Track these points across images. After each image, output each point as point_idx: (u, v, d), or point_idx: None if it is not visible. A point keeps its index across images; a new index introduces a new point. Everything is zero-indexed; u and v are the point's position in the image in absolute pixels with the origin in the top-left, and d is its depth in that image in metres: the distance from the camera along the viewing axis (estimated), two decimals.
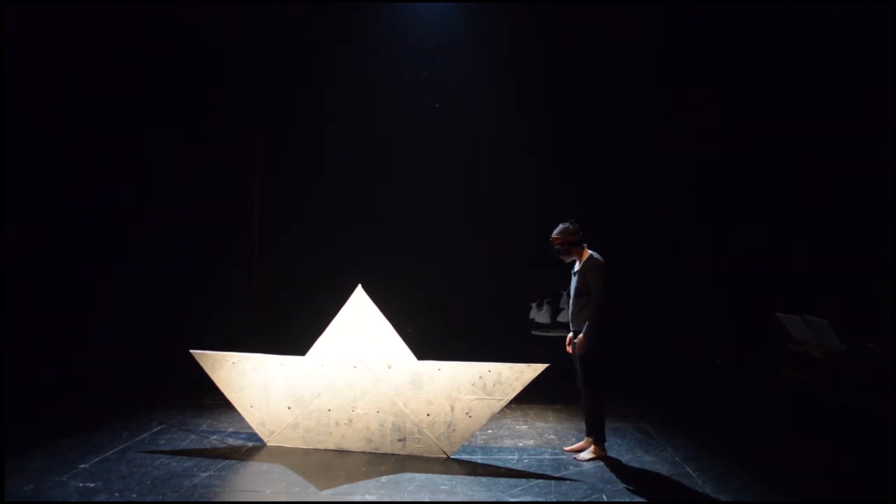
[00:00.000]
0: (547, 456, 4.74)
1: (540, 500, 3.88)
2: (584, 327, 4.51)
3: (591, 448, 4.67)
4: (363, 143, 7.95)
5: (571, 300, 4.70)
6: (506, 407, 4.81)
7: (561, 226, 4.69)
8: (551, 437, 5.23)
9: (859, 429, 4.89)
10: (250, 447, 4.84)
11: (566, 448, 4.86)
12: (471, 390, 4.55)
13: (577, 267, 4.71)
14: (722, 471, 4.41)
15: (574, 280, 4.70)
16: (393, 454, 4.66)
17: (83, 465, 4.32)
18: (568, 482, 4.19)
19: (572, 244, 4.65)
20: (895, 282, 5.39)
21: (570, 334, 4.73)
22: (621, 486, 4.12)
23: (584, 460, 4.60)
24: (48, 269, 6.84)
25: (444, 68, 7.78)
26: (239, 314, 7.72)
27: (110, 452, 4.62)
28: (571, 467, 4.49)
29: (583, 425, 4.91)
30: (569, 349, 4.75)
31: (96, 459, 4.45)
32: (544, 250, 7.42)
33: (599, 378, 4.58)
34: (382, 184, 7.95)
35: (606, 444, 4.69)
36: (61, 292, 6.94)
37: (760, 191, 7.17)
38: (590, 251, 4.67)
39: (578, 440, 4.93)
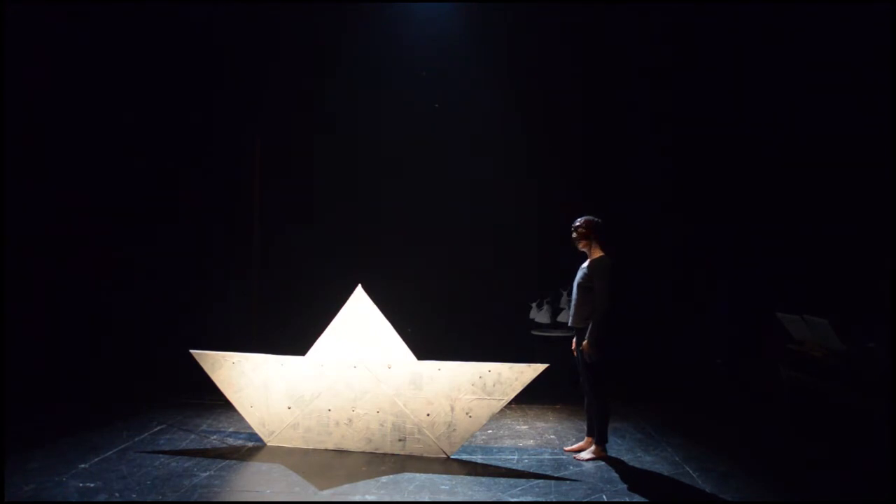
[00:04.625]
0: (547, 456, 4.74)
1: (540, 500, 3.88)
2: (588, 332, 4.51)
3: (592, 448, 4.67)
4: (363, 143, 7.95)
5: (575, 293, 4.71)
6: (506, 407, 4.81)
7: (587, 216, 4.75)
8: (551, 437, 5.23)
9: (859, 429, 4.89)
10: (250, 447, 4.84)
11: (566, 448, 4.86)
12: (471, 390, 4.55)
13: (586, 262, 4.71)
14: (722, 471, 4.41)
15: (579, 274, 4.70)
16: (393, 454, 4.66)
17: (83, 465, 4.32)
18: (568, 482, 4.19)
19: (590, 232, 4.67)
20: (895, 281, 5.39)
21: (574, 339, 4.73)
22: (621, 486, 4.13)
23: (584, 460, 4.60)
24: (48, 268, 6.84)
25: (444, 68, 7.78)
26: (239, 314, 7.72)
27: (110, 452, 4.62)
28: (571, 467, 4.49)
29: (583, 425, 4.91)
30: (574, 352, 4.75)
31: (96, 459, 4.45)
32: (545, 250, 7.47)
33: (604, 380, 4.58)
34: (382, 184, 7.95)
35: (606, 444, 4.70)
36: (61, 292, 6.94)
37: (761, 190, 7.18)
38: (602, 252, 4.67)
39: (578, 440, 4.94)
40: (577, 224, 4.74)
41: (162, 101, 7.43)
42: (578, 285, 4.67)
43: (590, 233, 4.68)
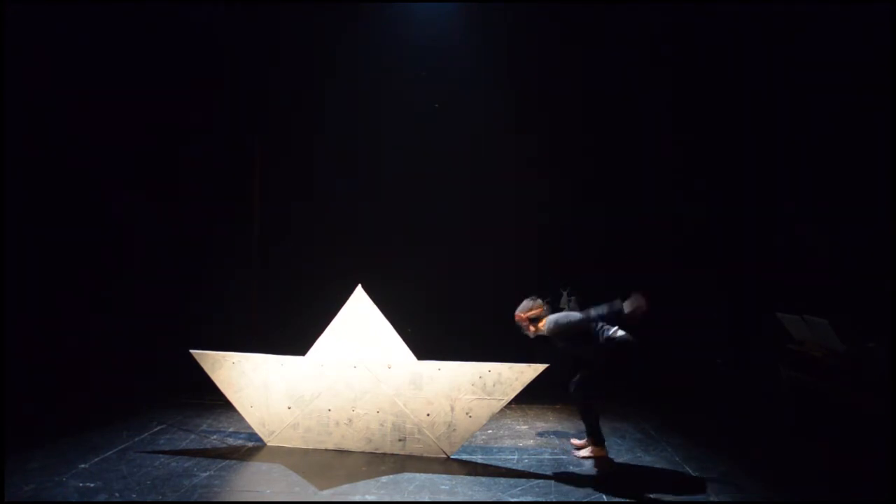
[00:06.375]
0: (547, 456, 4.74)
1: (540, 500, 3.88)
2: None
3: (590, 448, 4.66)
4: (363, 143, 7.95)
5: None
6: (506, 407, 4.81)
7: (520, 308, 4.64)
8: (551, 437, 5.23)
9: (859, 429, 4.89)
10: (250, 447, 4.84)
11: (572, 440, 4.85)
12: (471, 390, 4.55)
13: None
14: (722, 471, 4.41)
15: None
16: (393, 454, 4.66)
17: (83, 465, 4.32)
18: (568, 482, 4.19)
19: (532, 321, 4.60)
20: (895, 282, 5.39)
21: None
22: (621, 486, 4.12)
23: (583, 457, 4.60)
24: (48, 268, 6.84)
25: (445, 68, 7.77)
26: (239, 314, 7.72)
27: (110, 452, 4.62)
28: (571, 467, 4.49)
29: (583, 425, 4.91)
30: None
31: (96, 459, 4.45)
32: (545, 249, 7.47)
33: (592, 384, 4.56)
34: (382, 184, 7.94)
35: (606, 443, 4.69)
36: (61, 292, 6.94)
37: (761, 190, 7.18)
38: (544, 318, 4.57)
39: (579, 439, 4.93)
40: (518, 321, 4.63)
41: (161, 101, 7.42)
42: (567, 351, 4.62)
43: (531, 321, 4.60)
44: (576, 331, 4.47)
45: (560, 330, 4.46)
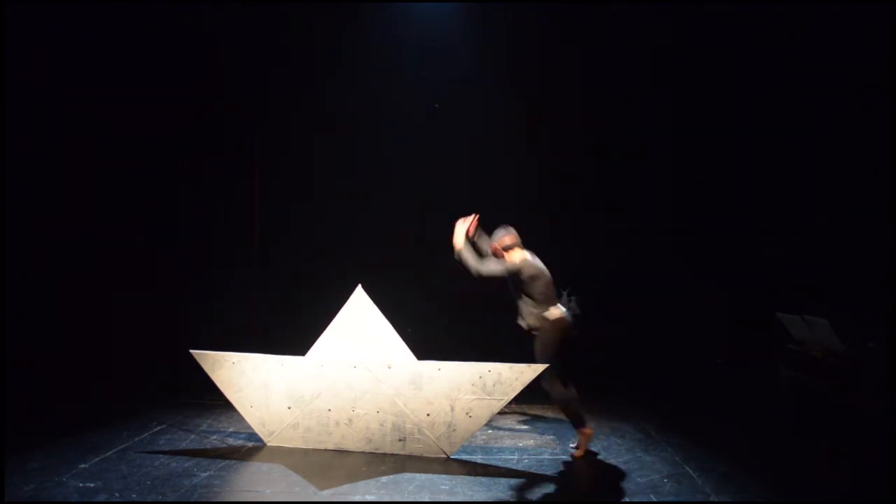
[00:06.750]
0: (547, 456, 4.74)
1: (540, 500, 3.88)
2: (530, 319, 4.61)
3: (579, 439, 4.67)
4: (363, 143, 7.94)
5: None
6: (506, 407, 4.80)
7: (497, 230, 4.77)
8: (551, 437, 5.23)
9: (859, 429, 4.88)
10: (250, 447, 4.84)
11: (571, 445, 4.85)
12: (471, 390, 4.55)
13: None
14: (722, 471, 4.41)
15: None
16: (393, 454, 4.66)
17: (83, 465, 4.32)
18: (568, 482, 4.19)
19: (506, 248, 4.69)
20: (895, 282, 5.39)
21: None
22: (622, 486, 4.13)
23: (579, 456, 4.62)
24: (48, 268, 6.84)
25: (445, 68, 7.77)
26: (239, 314, 7.72)
27: (110, 452, 4.62)
28: (571, 468, 4.49)
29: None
30: None
31: (96, 459, 4.45)
32: (544, 249, 7.44)
33: (554, 375, 4.58)
34: (382, 183, 7.94)
35: (606, 443, 4.71)
36: (62, 292, 6.93)
37: (761, 190, 7.19)
38: (523, 251, 4.70)
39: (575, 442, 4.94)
40: (493, 251, 4.75)
41: (161, 101, 7.42)
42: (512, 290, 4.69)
43: (504, 249, 4.69)
44: (543, 281, 4.61)
45: (534, 272, 4.60)
